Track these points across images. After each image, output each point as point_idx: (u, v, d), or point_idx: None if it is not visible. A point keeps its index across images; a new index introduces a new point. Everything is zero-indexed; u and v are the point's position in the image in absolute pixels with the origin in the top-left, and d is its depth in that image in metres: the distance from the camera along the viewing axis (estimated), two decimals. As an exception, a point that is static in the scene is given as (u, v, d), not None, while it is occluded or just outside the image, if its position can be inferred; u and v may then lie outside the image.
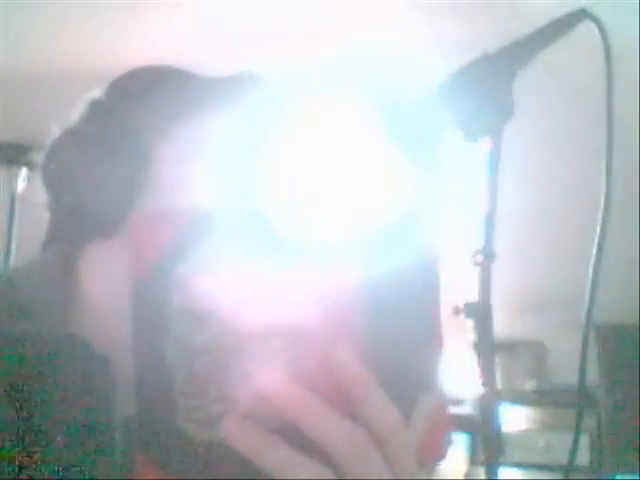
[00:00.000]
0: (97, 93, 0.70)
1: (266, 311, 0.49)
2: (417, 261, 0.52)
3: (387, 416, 0.49)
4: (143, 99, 0.68)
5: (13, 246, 2.54)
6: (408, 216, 0.55)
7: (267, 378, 0.48)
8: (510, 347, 4.22)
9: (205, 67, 0.72)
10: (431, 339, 0.52)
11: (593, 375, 3.71)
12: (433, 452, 0.54)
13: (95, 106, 0.69)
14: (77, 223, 0.67)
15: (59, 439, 0.60)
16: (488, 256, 0.77)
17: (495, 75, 0.77)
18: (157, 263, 0.50)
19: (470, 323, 0.76)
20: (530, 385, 4.31)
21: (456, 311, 0.76)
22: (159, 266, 0.50)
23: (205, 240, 0.50)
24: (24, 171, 2.51)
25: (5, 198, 2.51)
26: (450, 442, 0.56)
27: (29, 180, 2.50)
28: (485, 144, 0.77)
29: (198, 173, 0.65)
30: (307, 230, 0.52)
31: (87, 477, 0.59)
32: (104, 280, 0.66)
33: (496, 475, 0.76)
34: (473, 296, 0.76)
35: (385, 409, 0.49)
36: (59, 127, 0.70)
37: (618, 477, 3.71)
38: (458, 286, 0.79)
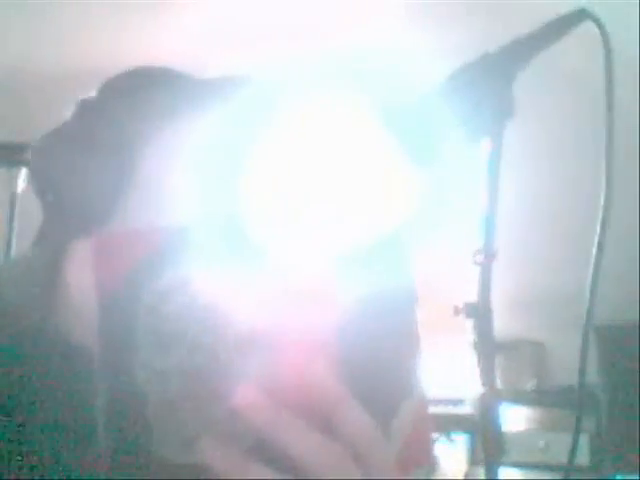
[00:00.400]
0: (90, 93, 0.71)
1: (239, 327, 0.48)
2: (397, 274, 0.52)
3: (363, 430, 0.48)
4: (133, 99, 0.69)
5: (13, 246, 2.54)
6: (393, 234, 0.54)
7: (241, 396, 0.47)
8: (510, 347, 4.22)
9: (206, 66, 0.72)
10: (409, 345, 0.52)
11: (593, 375, 3.71)
12: (418, 456, 0.54)
13: (84, 105, 0.70)
14: (61, 221, 0.68)
15: (42, 431, 0.60)
16: (488, 256, 0.77)
17: (495, 75, 0.77)
18: (122, 286, 0.50)
19: (470, 323, 0.76)
20: (530, 385, 4.30)
21: (456, 311, 0.76)
22: (124, 288, 0.50)
23: (174, 259, 0.49)
24: (24, 171, 2.50)
25: (5, 198, 2.51)
26: (434, 444, 0.56)
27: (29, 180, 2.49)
28: (485, 144, 0.78)
29: (185, 175, 0.65)
30: (291, 242, 0.52)
31: (72, 469, 0.59)
32: (88, 278, 0.67)
33: (496, 475, 0.76)
34: (473, 296, 0.76)
35: (361, 423, 0.48)
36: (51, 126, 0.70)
37: (618, 477, 3.71)
38: (458, 286, 0.79)
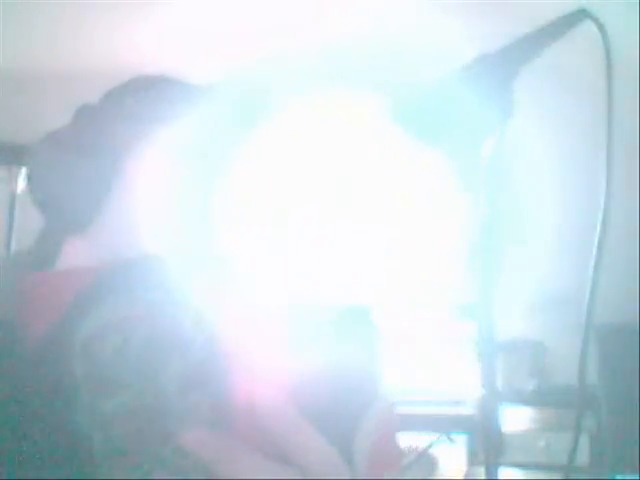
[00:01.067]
0: (90, 99, 0.73)
1: (183, 363, 0.47)
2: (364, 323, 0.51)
3: (319, 455, 0.47)
4: (128, 105, 0.70)
5: (13, 246, 2.53)
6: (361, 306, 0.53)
7: (189, 435, 0.46)
8: (510, 347, 4.22)
9: (202, 67, 0.72)
10: (370, 360, 0.51)
11: (593, 375, 3.71)
12: (387, 462, 0.53)
13: (81, 110, 0.71)
14: (50, 220, 0.69)
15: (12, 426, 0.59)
16: (489, 256, 0.77)
17: (495, 75, 0.77)
18: (54, 329, 0.48)
19: (471, 324, 0.76)
20: (530, 385, 4.30)
21: (457, 312, 0.76)
22: (56, 331, 0.48)
23: (108, 297, 0.48)
24: (24, 171, 2.50)
25: (5, 198, 2.51)
26: (401, 450, 0.55)
27: (29, 180, 2.49)
28: (486, 144, 0.77)
29: (170, 177, 0.65)
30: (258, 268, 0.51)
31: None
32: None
33: (496, 475, 0.76)
34: (474, 297, 0.76)
35: (316, 447, 0.47)
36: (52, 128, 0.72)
37: (618, 477, 3.71)
38: (459, 287, 0.79)
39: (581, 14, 0.81)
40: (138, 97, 0.70)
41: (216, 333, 0.47)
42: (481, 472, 0.77)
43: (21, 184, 2.52)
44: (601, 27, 0.80)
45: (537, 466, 3.87)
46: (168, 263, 0.51)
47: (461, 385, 3.25)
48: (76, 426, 0.48)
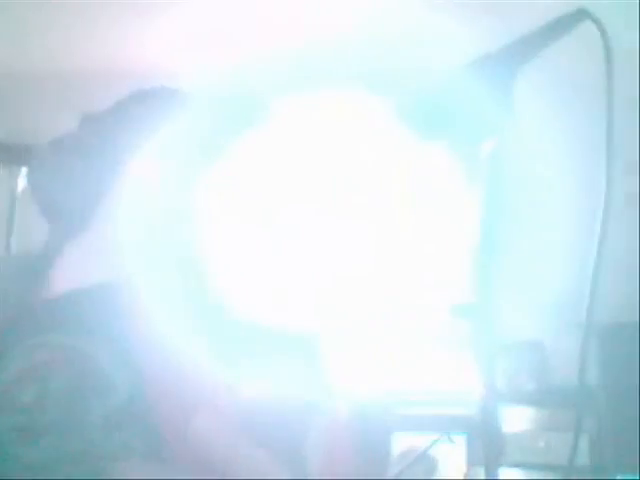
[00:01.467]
0: (95, 109, 0.74)
1: (103, 407, 0.46)
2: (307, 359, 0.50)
3: (259, 470, 0.47)
4: (132, 115, 0.71)
5: (13, 246, 2.54)
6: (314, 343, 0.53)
7: (123, 472, 0.44)
8: (510, 347, 4.22)
9: (203, 69, 0.72)
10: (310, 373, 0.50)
11: (593, 375, 3.71)
12: (342, 465, 0.53)
13: (86, 118, 0.72)
14: (51, 223, 0.70)
15: None
16: (489, 256, 0.77)
17: (496, 75, 0.77)
18: None
19: (470, 323, 0.76)
20: (530, 385, 4.29)
21: (457, 312, 0.76)
22: None
23: (28, 342, 0.47)
24: (24, 171, 2.50)
25: (5, 198, 2.51)
26: (351, 458, 0.55)
27: (29, 180, 2.49)
28: (486, 144, 0.77)
29: (168, 183, 0.66)
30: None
31: None
32: (73, 273, 0.68)
33: (496, 475, 0.76)
34: (473, 296, 0.76)
35: (256, 463, 0.47)
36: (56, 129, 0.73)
37: (618, 477, 3.70)
38: (458, 286, 0.79)
39: (581, 14, 0.81)
40: (141, 108, 0.71)
41: (140, 368, 0.46)
42: (481, 472, 0.77)
43: (21, 184, 2.52)
44: (601, 27, 0.80)
45: (537, 466, 3.87)
46: (96, 297, 0.50)
47: (461, 385, 3.25)
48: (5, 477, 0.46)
